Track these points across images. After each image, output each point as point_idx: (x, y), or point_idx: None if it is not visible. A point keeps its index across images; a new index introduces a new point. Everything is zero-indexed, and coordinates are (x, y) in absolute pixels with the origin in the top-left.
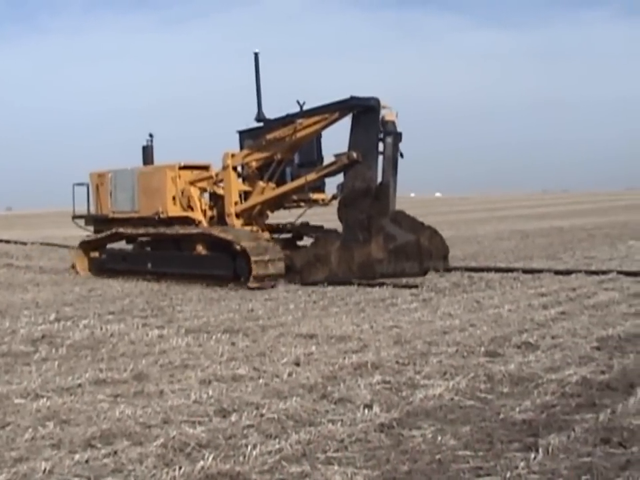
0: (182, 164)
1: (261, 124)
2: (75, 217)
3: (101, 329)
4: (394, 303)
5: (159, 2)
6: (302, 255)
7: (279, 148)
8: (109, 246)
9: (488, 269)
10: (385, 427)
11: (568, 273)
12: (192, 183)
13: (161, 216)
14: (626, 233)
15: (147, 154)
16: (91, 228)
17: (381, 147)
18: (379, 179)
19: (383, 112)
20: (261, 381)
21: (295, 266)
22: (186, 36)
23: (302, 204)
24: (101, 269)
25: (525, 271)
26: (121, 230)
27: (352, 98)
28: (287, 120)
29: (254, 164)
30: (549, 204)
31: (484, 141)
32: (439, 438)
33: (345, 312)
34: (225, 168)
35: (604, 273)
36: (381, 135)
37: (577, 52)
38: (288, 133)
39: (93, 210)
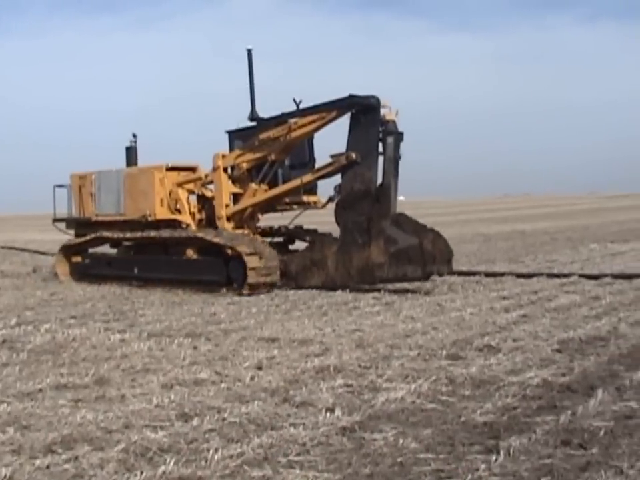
0: (169, 165)
1: (254, 124)
2: (55, 220)
3: (63, 333)
4: (356, 307)
5: (125, 4)
6: (297, 259)
7: (272, 148)
8: (92, 250)
9: (451, 272)
10: (347, 431)
11: (530, 276)
12: (179, 185)
13: (149, 219)
14: (587, 236)
15: (131, 155)
16: (72, 231)
17: (380, 147)
18: (379, 181)
19: (382, 111)
20: (222, 385)
21: (289, 271)
22: (153, 38)
23: (295, 207)
24: (84, 274)
25: (487, 274)
26: (106, 233)
27: (351, 96)
28: (283, 119)
29: (244, 165)
30: (511, 207)
31: (446, 147)
32: (401, 441)
33: (307, 315)
34: (215, 169)
35: (565, 276)
36: (381, 135)
37: (542, 57)
38: (282, 133)
39: (74, 213)
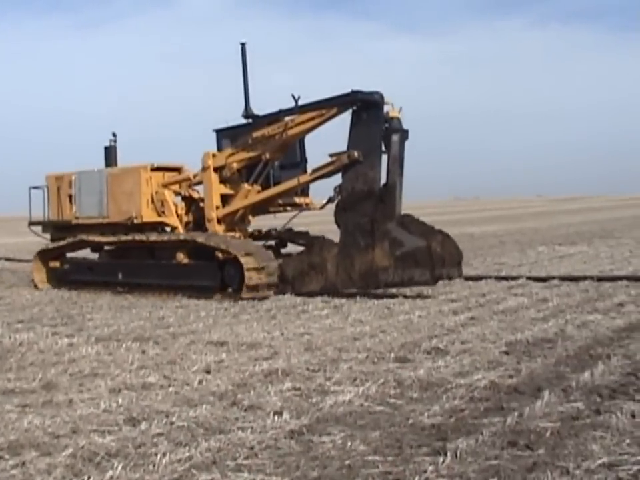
0: (155, 165)
1: (243, 122)
2: (31, 223)
3: (10, 337)
4: (305, 310)
5: (73, 5)
6: (294, 263)
7: (267, 147)
8: (71, 255)
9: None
10: (295, 434)
11: (478, 278)
12: (165, 186)
13: (135, 221)
14: (535, 239)
15: (110, 155)
16: (48, 236)
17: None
18: (383, 180)
19: (385, 108)
20: (171, 389)
21: (285, 276)
22: (102, 39)
23: (289, 208)
24: (63, 280)
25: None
26: (88, 237)
27: (353, 92)
28: (280, 116)
29: (235, 165)
30: (460, 211)
31: None
32: (349, 443)
33: (255, 319)
34: (205, 169)
35: (513, 278)
36: (385, 133)
37: (492, 61)
38: (278, 131)
39: (50, 215)
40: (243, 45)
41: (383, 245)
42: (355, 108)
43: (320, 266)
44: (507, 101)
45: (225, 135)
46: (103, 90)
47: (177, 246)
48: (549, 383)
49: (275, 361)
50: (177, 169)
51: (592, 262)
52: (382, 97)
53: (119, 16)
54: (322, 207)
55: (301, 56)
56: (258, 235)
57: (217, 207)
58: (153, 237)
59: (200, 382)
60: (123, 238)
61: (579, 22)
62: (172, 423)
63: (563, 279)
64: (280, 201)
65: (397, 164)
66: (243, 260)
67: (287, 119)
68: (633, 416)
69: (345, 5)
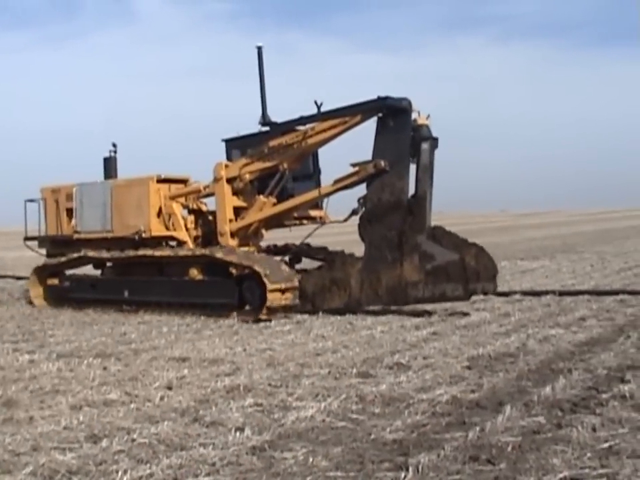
0: (162, 176)
1: (253, 131)
2: (27, 238)
3: None
4: (267, 326)
5: (33, 20)
6: (314, 279)
7: (284, 157)
8: (71, 272)
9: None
10: (257, 450)
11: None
12: (172, 198)
13: (144, 235)
14: (498, 253)
15: (110, 166)
16: (44, 251)
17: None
18: (411, 191)
19: (413, 115)
20: (132, 405)
21: (305, 292)
22: (63, 56)
23: (305, 222)
24: (62, 298)
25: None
26: (94, 253)
27: (380, 98)
28: (301, 123)
29: (248, 176)
30: None
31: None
32: (311, 459)
33: (218, 335)
34: (217, 180)
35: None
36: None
37: (455, 77)
38: (296, 140)
39: (46, 230)
40: (259, 48)
41: (412, 258)
42: (380, 115)
43: (343, 281)
44: (471, 116)
45: (235, 145)
46: (66, 105)
47: (189, 261)
48: (510, 397)
49: (236, 377)
50: (184, 181)
51: (554, 276)
52: (410, 103)
53: (81, 33)
54: (345, 220)
55: (266, 71)
56: (272, 250)
57: (230, 220)
58: (167, 252)
59: (161, 398)
60: (133, 253)
61: (539, 38)
62: (133, 440)
63: (525, 293)
64: (295, 214)
65: (428, 173)
66: (265, 277)
67: (307, 126)
68: (594, 430)
69: (309, 22)
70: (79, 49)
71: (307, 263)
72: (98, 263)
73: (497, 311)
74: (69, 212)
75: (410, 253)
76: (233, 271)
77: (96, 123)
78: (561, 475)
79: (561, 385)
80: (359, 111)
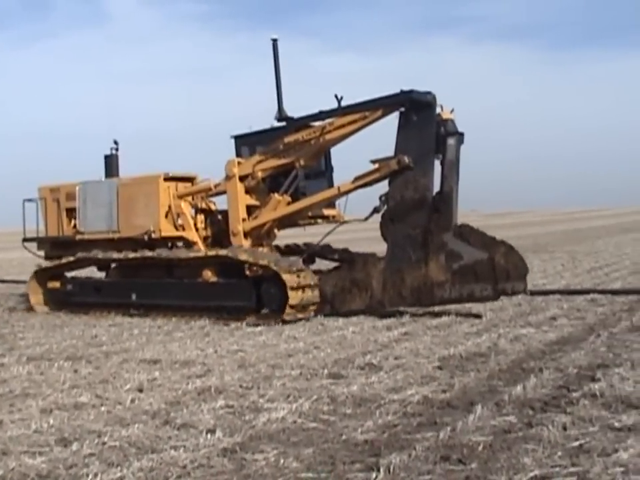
0: (169, 174)
1: (264, 128)
2: (25, 239)
3: None
4: (239, 327)
5: (5, 22)
6: (333, 280)
7: (300, 154)
8: (72, 275)
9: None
10: (228, 452)
11: None
12: (181, 197)
13: (153, 236)
14: None
15: (111, 164)
16: (42, 253)
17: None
18: (435, 187)
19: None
20: (103, 408)
21: (324, 293)
22: (34, 57)
23: (319, 221)
24: (64, 302)
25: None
26: (99, 254)
27: (404, 92)
28: (320, 119)
29: (260, 174)
30: None
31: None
32: (282, 461)
33: (189, 336)
34: (229, 178)
35: None
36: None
37: (427, 77)
38: (314, 136)
39: (44, 230)
40: (274, 41)
41: (438, 258)
42: (402, 109)
43: (364, 282)
44: None
45: (244, 142)
46: (36, 107)
47: (203, 263)
48: (481, 397)
49: (208, 379)
50: (190, 179)
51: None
52: (434, 97)
53: (52, 34)
54: (366, 219)
55: (240, 71)
56: (284, 250)
57: (243, 220)
58: (183, 253)
59: (132, 401)
60: (149, 254)
61: (512, 39)
62: (104, 443)
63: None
64: (309, 213)
65: (454, 170)
66: (286, 278)
67: (326, 121)
68: (565, 428)
69: (283, 22)
70: (50, 49)
71: (319, 265)
72: (103, 265)
73: (468, 311)
74: (70, 212)
75: (436, 252)
76: (247, 272)
77: (68, 123)
78: (532, 474)
79: (531, 384)
80: (381, 105)
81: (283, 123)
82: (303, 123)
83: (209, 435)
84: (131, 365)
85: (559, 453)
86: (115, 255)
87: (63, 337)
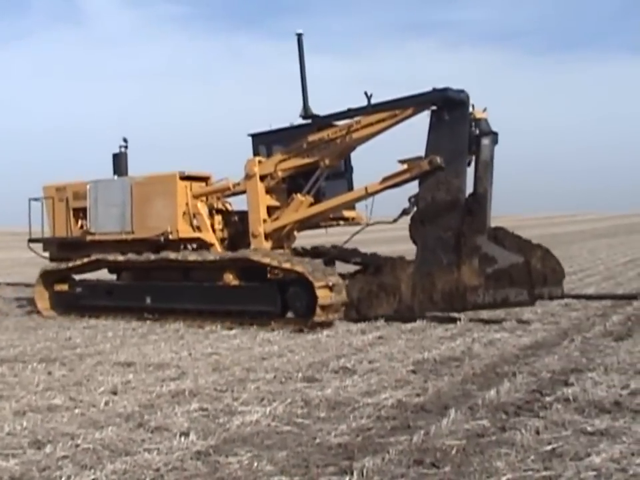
0: (185, 173)
1: (283, 126)
2: (31, 240)
3: None
4: (213, 330)
5: None
6: (359, 284)
7: (325, 153)
8: (81, 277)
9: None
10: (202, 455)
11: None
12: (196, 197)
13: (170, 237)
14: None
15: (120, 163)
16: (47, 254)
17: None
18: (466, 189)
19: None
20: (77, 410)
21: (350, 298)
22: (10, 56)
23: (342, 222)
24: (72, 305)
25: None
26: (110, 256)
27: (436, 90)
28: (348, 116)
29: (280, 173)
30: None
31: None
32: (255, 464)
33: (164, 339)
34: (249, 177)
35: None
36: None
37: (404, 81)
38: (340, 134)
39: (48, 231)
40: (299, 35)
41: (471, 261)
42: (434, 108)
43: (392, 287)
44: (424, 120)
45: (262, 140)
46: (8, 108)
47: (224, 265)
48: (455, 401)
49: (182, 382)
50: (205, 179)
51: None
52: (468, 96)
53: (28, 33)
54: (394, 221)
55: (215, 74)
56: (303, 253)
57: (265, 221)
58: (211, 256)
59: (106, 403)
60: (172, 256)
61: (489, 44)
62: (77, 446)
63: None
64: (330, 215)
65: (488, 171)
66: (315, 283)
67: (353, 119)
68: (538, 432)
69: (261, 25)
70: (25, 49)
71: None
72: (115, 267)
73: (443, 315)
74: (77, 212)
75: (469, 256)
76: (270, 274)
77: (44, 123)
78: (505, 478)
79: (505, 388)
80: (412, 104)
81: (307, 121)
82: (330, 120)
83: (182, 438)
84: (105, 368)
85: (532, 457)
86: (135, 257)
87: (37, 338)
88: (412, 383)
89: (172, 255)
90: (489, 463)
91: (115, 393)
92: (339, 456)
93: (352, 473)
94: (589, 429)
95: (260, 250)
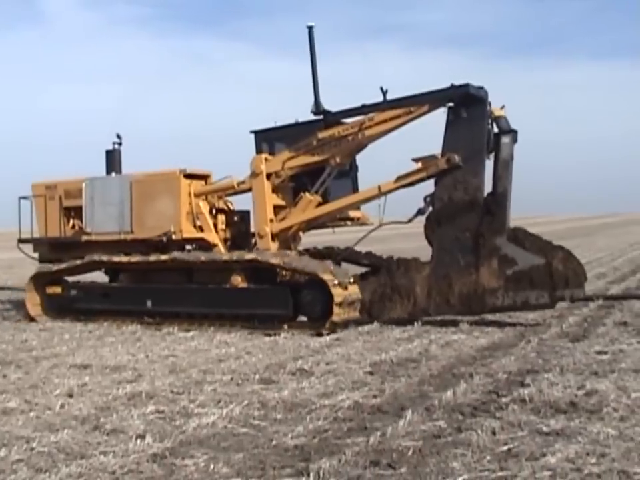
0: (187, 171)
1: (285, 123)
2: (21, 240)
3: None
4: (170, 332)
5: None
6: (371, 286)
7: (336, 151)
8: (74, 279)
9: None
10: (158, 457)
11: None
12: (198, 196)
13: (173, 237)
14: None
15: (113, 160)
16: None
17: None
18: (486, 188)
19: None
20: (32, 413)
21: (362, 300)
22: None
23: (349, 223)
24: (66, 309)
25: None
26: (103, 257)
27: (454, 87)
28: (362, 112)
29: (288, 171)
30: (344, 231)
31: None
32: (212, 466)
33: (120, 341)
34: (255, 175)
35: None
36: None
37: (365, 84)
38: (352, 131)
39: (37, 231)
40: (310, 28)
41: (490, 263)
42: (451, 104)
43: (406, 289)
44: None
45: (265, 137)
46: None
47: (230, 267)
48: (412, 402)
49: (138, 384)
50: (205, 177)
51: None
52: (487, 93)
53: None
54: (409, 221)
55: (173, 77)
56: (323, 252)
57: (271, 220)
58: (226, 257)
59: (62, 406)
60: (189, 256)
61: (448, 47)
62: (32, 449)
63: None
64: (337, 215)
65: (508, 169)
66: (331, 285)
67: (366, 116)
68: (494, 433)
69: (217, 26)
70: None
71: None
72: (112, 269)
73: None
74: (68, 211)
75: (488, 257)
76: (279, 276)
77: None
78: (461, 478)
79: (462, 389)
80: (429, 100)
81: (318, 117)
82: (342, 117)
83: (138, 441)
84: (61, 370)
85: (488, 458)
86: (138, 258)
87: None
88: (369, 385)
89: (181, 255)
90: (445, 464)
91: (70, 396)
92: (296, 457)
93: (308, 475)
94: (545, 429)
95: (279, 252)
